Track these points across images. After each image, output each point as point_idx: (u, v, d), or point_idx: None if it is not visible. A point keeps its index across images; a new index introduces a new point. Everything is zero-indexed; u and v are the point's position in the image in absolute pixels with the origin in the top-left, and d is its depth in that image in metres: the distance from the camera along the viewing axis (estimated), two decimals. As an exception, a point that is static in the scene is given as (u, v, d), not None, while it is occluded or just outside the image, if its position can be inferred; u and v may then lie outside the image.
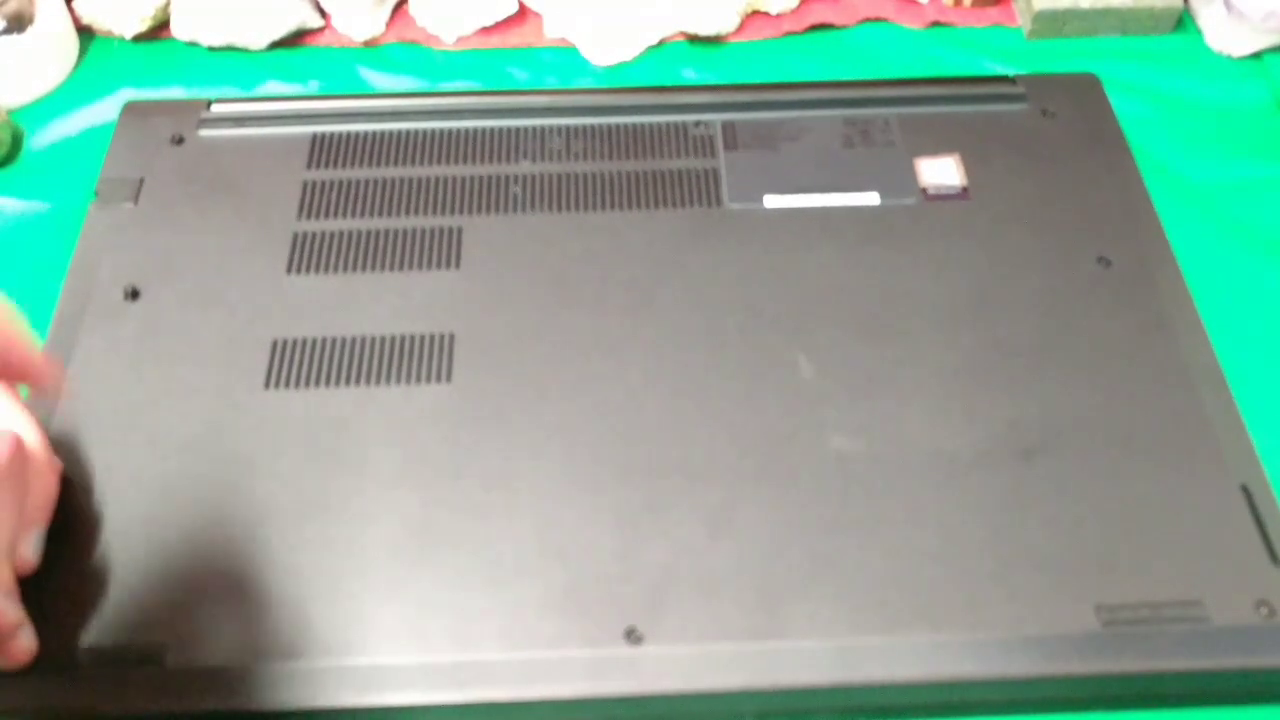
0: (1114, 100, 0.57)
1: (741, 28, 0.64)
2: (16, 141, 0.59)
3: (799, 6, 0.65)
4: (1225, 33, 0.62)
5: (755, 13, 0.65)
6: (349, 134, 0.56)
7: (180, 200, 0.53)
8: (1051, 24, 0.64)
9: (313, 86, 0.62)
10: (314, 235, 0.52)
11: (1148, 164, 0.55)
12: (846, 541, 0.42)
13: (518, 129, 0.56)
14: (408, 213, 0.53)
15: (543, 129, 0.56)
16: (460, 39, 0.64)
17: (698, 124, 0.56)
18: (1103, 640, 0.40)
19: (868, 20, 0.65)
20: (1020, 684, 0.40)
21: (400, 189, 0.53)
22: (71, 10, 0.63)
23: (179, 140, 0.55)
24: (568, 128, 0.56)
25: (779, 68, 0.63)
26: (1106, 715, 0.42)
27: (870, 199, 0.53)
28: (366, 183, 0.54)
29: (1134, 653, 0.40)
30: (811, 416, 0.46)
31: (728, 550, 0.42)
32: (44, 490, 0.41)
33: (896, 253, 0.51)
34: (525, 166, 0.54)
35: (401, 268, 0.51)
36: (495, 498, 0.44)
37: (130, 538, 0.42)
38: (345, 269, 0.51)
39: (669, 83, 0.62)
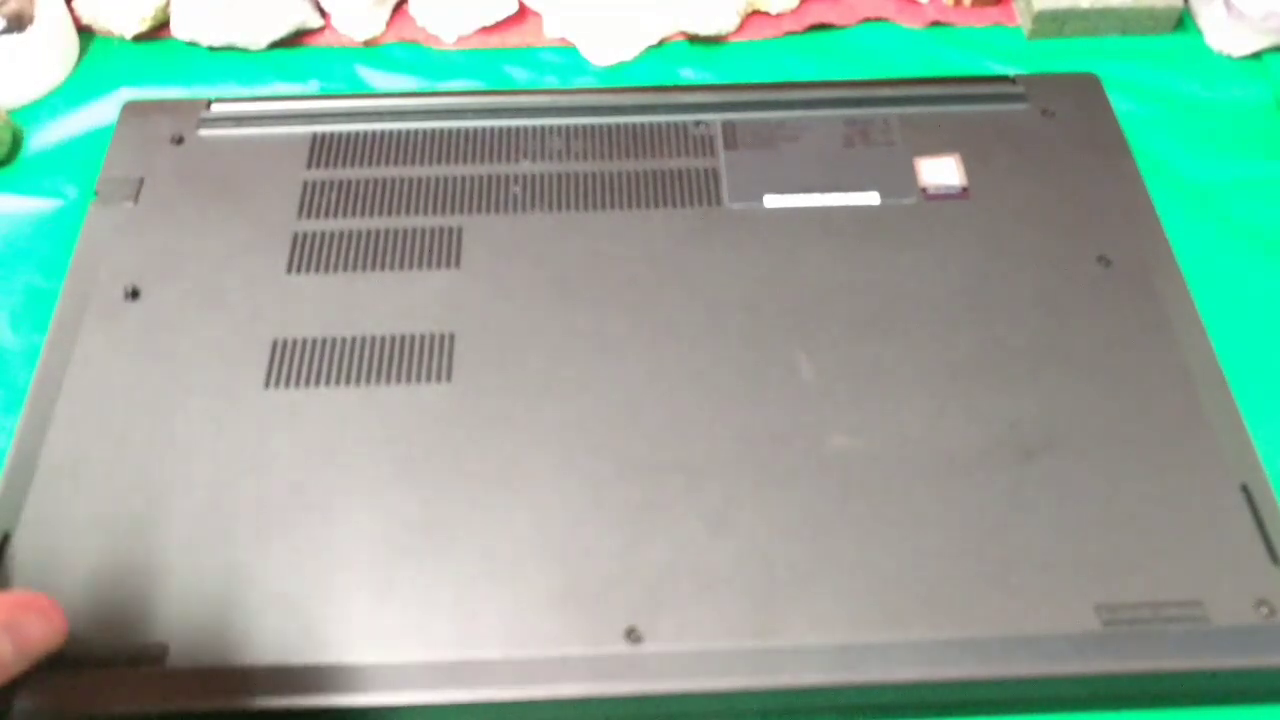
0: (1114, 100, 0.57)
1: (741, 28, 0.64)
2: (16, 141, 0.59)
3: (799, 6, 0.65)
4: (1225, 33, 0.62)
5: (755, 13, 0.65)
6: (349, 134, 0.56)
7: (180, 200, 0.53)
8: (1052, 24, 0.64)
9: (313, 86, 0.62)
10: (314, 235, 0.52)
11: (1148, 164, 0.55)
12: (846, 541, 0.42)
13: (518, 129, 0.56)
14: (408, 213, 0.53)
15: (543, 129, 0.56)
16: (460, 39, 0.64)
17: (698, 124, 0.56)
18: (1103, 640, 0.40)
19: (868, 20, 0.65)
20: (1020, 684, 0.40)
21: (400, 189, 0.53)
22: (71, 10, 0.63)
23: (179, 140, 0.55)
24: (568, 128, 0.56)
25: (779, 68, 0.63)
26: (1106, 715, 0.42)
27: (870, 199, 0.53)
28: (366, 182, 0.54)
29: (1134, 653, 0.40)
30: (811, 416, 0.46)
31: (728, 550, 0.42)
32: None
33: (896, 252, 0.51)
34: (525, 166, 0.54)
35: (401, 267, 0.51)
36: (495, 497, 0.44)
37: (130, 538, 0.42)
38: (345, 269, 0.51)
39: (669, 83, 0.62)
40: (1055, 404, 0.46)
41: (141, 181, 0.54)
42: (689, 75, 0.63)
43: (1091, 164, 0.54)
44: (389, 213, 0.53)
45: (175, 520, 0.43)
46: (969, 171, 0.54)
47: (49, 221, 0.56)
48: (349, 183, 0.54)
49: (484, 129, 0.56)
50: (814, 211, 0.53)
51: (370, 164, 0.54)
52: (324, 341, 0.48)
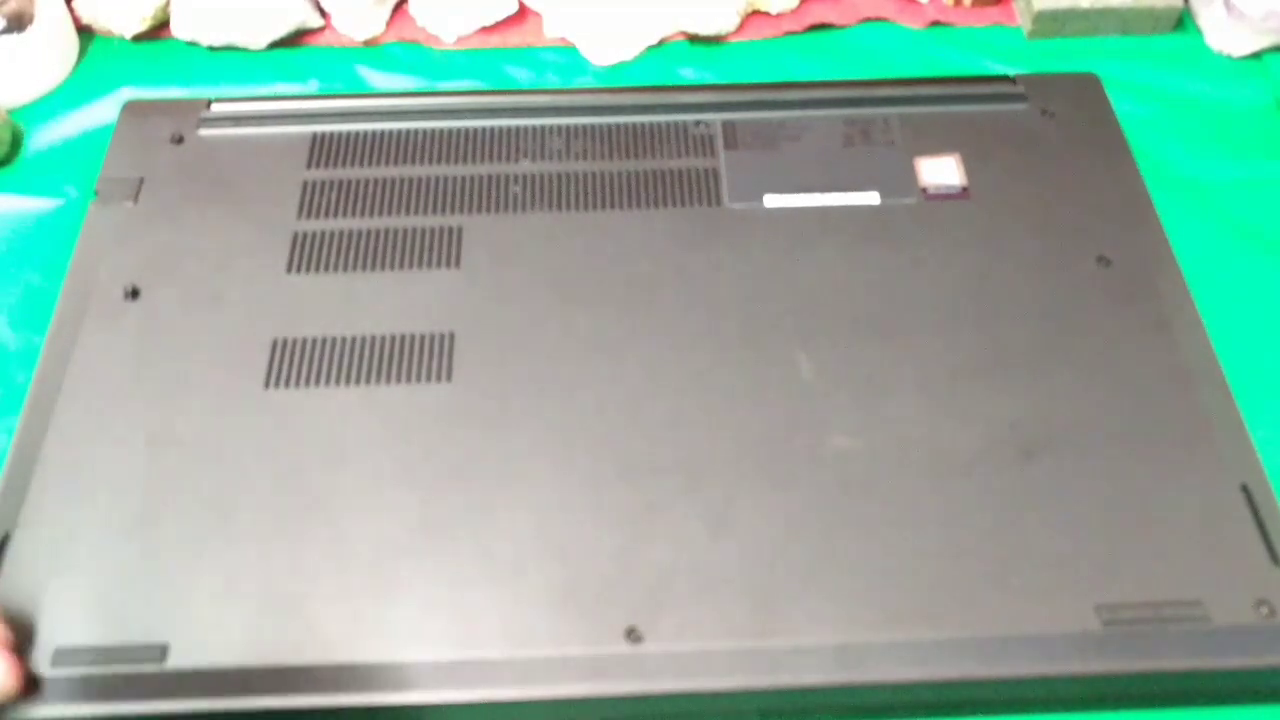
0: (1114, 100, 0.57)
1: (741, 28, 0.64)
2: (16, 141, 0.59)
3: (799, 6, 0.65)
4: (1225, 33, 0.62)
5: (755, 13, 0.65)
6: (349, 133, 0.56)
7: (180, 200, 0.53)
8: (1052, 24, 0.64)
9: (313, 86, 0.62)
10: (314, 235, 0.52)
11: (1148, 164, 0.55)
12: (846, 541, 0.42)
13: (518, 129, 0.56)
14: (408, 213, 0.53)
15: (543, 129, 0.56)
16: (460, 39, 0.64)
17: (698, 124, 0.56)
18: (1103, 640, 0.40)
19: (868, 20, 0.65)
20: (1020, 684, 0.40)
21: (400, 189, 0.53)
22: (71, 10, 0.63)
23: (179, 140, 0.55)
24: (568, 128, 0.56)
25: (779, 68, 0.63)
26: (1106, 715, 0.42)
27: (870, 199, 0.53)
28: (366, 182, 0.54)
29: (1134, 653, 0.40)
30: (811, 416, 0.46)
31: (728, 550, 0.42)
32: None
33: (896, 253, 0.51)
34: (525, 166, 0.54)
35: (401, 267, 0.51)
36: (495, 497, 0.44)
37: (130, 537, 0.42)
38: (345, 269, 0.51)
39: (669, 83, 0.62)
40: (1055, 404, 0.46)
41: (141, 181, 0.54)
42: (689, 75, 0.63)
43: (1091, 164, 0.54)
44: (389, 213, 0.53)
45: (175, 520, 0.43)
46: (969, 171, 0.54)
47: (49, 221, 0.56)
48: (349, 183, 0.54)
49: (484, 129, 0.56)
50: (814, 211, 0.53)
51: (370, 164, 0.54)
52: (324, 341, 0.48)
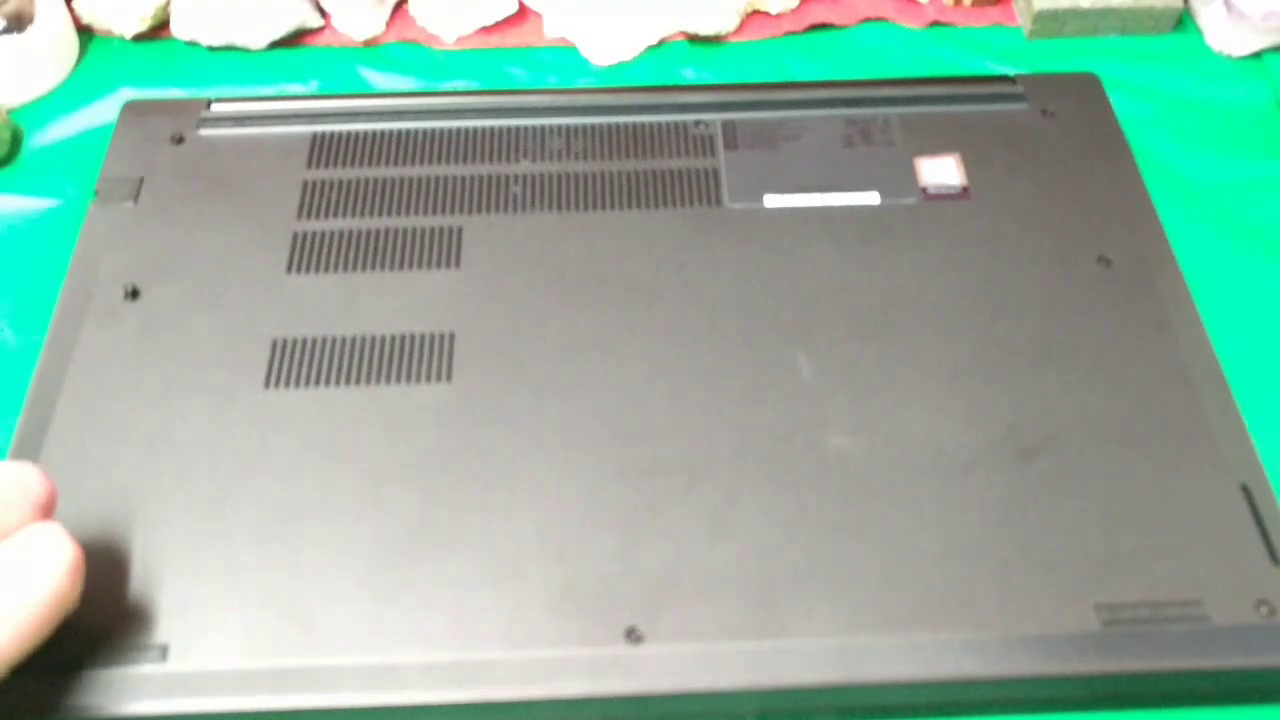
0: (1114, 100, 0.57)
1: (741, 28, 0.64)
2: (16, 141, 0.59)
3: (799, 6, 0.65)
4: (1225, 33, 0.63)
5: (755, 13, 0.65)
6: (349, 133, 0.56)
7: (180, 200, 0.53)
8: (1052, 24, 0.64)
9: (313, 86, 0.62)
10: (314, 235, 0.52)
11: (1148, 164, 0.55)
12: (846, 541, 0.42)
13: (518, 129, 0.56)
14: (408, 213, 0.53)
15: (543, 129, 0.56)
16: (460, 39, 0.64)
17: (698, 124, 0.56)
18: (1103, 640, 0.40)
19: (868, 20, 0.65)
20: (1020, 684, 0.40)
21: (400, 189, 0.53)
22: (71, 10, 0.63)
23: (179, 140, 0.55)
24: (568, 128, 0.56)
25: (779, 68, 0.63)
26: (1106, 715, 0.42)
27: (870, 199, 0.53)
28: (366, 182, 0.54)
29: (1134, 652, 0.40)
30: (811, 416, 0.46)
31: (728, 550, 0.42)
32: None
33: (896, 253, 0.51)
34: (525, 166, 0.54)
35: (401, 267, 0.51)
36: (495, 497, 0.44)
37: (130, 537, 0.42)
38: (345, 269, 0.51)
39: (669, 83, 0.62)
40: (1055, 404, 0.46)
41: (141, 181, 0.54)
42: (689, 75, 0.63)
43: (1091, 164, 0.54)
44: (389, 213, 0.53)
45: (175, 520, 0.43)
46: (969, 171, 0.54)
47: (49, 221, 0.56)
48: (349, 183, 0.54)
49: (484, 129, 0.56)
50: (814, 211, 0.53)
51: (370, 164, 0.54)
52: (324, 341, 0.48)
